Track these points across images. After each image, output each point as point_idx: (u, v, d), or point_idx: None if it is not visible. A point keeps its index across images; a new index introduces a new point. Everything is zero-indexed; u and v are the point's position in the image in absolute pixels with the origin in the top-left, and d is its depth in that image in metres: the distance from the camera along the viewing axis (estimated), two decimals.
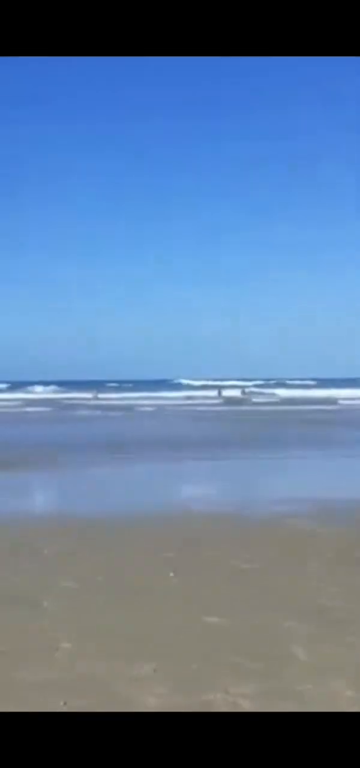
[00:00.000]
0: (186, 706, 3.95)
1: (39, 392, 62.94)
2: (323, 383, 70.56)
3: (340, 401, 45.95)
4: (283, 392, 60.01)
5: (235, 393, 58.99)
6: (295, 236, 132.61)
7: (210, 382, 74.14)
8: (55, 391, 62.90)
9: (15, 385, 69.17)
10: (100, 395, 56.80)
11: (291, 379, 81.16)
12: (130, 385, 72.73)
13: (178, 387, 71.63)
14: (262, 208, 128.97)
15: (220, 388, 62.73)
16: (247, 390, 59.70)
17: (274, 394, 58.70)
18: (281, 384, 70.85)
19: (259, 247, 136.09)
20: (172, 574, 6.51)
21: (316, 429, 25.06)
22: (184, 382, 79.76)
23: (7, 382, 71.50)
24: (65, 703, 4.04)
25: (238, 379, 75.95)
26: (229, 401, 49.55)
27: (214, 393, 60.46)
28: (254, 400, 49.95)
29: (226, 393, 59.18)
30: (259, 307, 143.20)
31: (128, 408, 40.61)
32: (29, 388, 65.92)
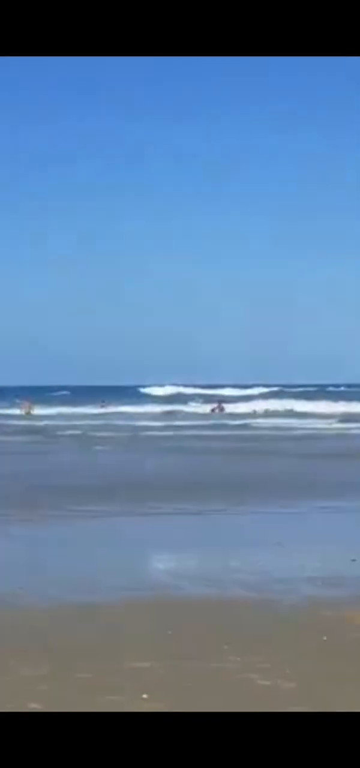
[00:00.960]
0: None
1: None
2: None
3: None
4: (303, 406, 60.71)
5: (241, 408, 59.45)
6: None
7: (203, 391, 74.72)
8: None
9: None
10: (35, 412, 56.99)
11: (317, 387, 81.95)
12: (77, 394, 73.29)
13: (146, 399, 72.11)
14: None
15: (220, 400, 63.20)
16: (259, 409, 60.21)
17: (291, 411, 59.33)
18: (302, 394, 71.54)
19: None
20: (145, 696, 6.51)
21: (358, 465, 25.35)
22: (157, 392, 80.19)
23: None
24: None
25: (241, 386, 76.61)
26: (225, 419, 50.04)
27: (207, 408, 60.91)
28: (258, 422, 50.22)
29: (229, 409, 59.61)
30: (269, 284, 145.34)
31: (70, 430, 40.74)
32: None
